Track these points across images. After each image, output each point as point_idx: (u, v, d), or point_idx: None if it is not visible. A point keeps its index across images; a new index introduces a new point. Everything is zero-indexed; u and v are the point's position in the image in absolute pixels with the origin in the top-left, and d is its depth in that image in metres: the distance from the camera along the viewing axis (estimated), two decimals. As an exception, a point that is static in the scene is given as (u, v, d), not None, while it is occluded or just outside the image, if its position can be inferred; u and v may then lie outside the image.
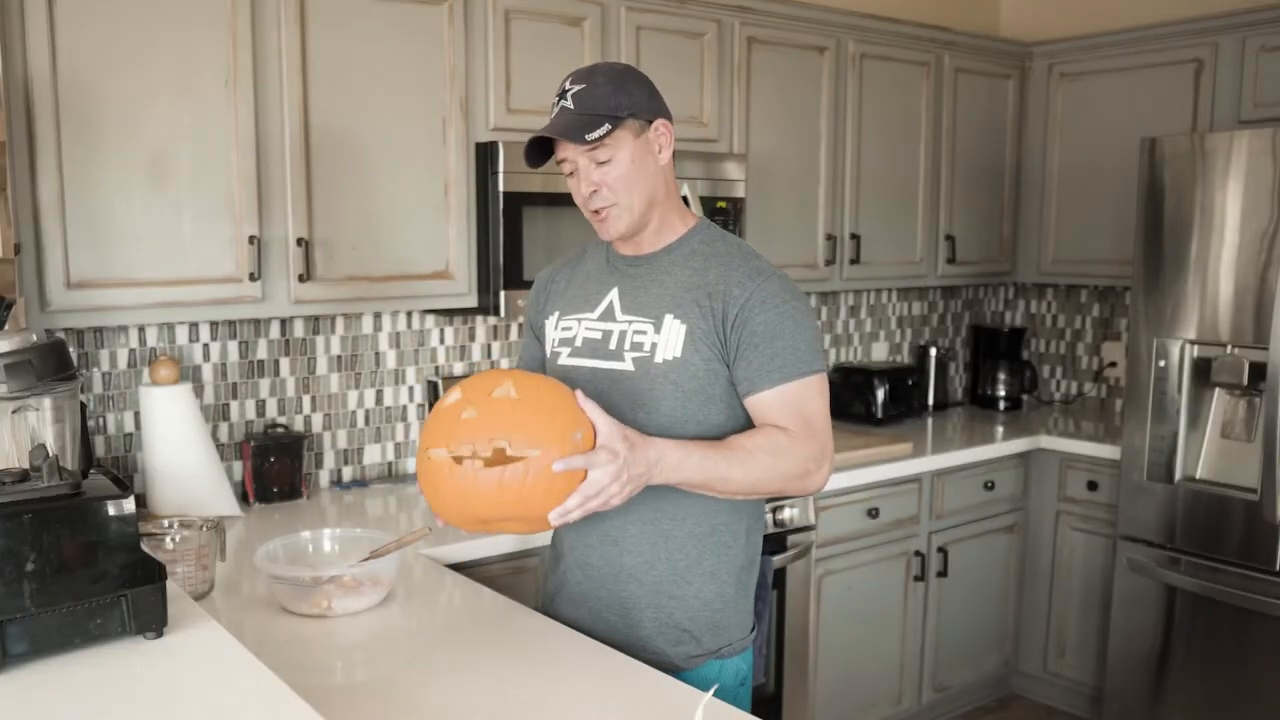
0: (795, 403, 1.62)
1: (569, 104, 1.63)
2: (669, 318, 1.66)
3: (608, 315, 1.72)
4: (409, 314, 2.94)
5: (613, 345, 1.69)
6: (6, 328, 1.82)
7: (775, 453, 1.58)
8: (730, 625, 1.73)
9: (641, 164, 1.64)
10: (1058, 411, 4.12)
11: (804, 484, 1.62)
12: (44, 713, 1.20)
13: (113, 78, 2.16)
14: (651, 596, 1.70)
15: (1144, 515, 3.24)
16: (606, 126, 1.60)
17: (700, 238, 1.72)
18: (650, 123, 1.66)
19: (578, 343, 1.74)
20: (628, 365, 1.67)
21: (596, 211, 1.67)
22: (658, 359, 1.65)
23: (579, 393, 1.47)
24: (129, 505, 1.35)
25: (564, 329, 1.77)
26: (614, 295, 1.73)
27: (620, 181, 1.64)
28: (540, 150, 1.65)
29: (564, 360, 1.75)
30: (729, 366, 1.64)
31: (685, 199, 2.88)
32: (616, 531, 1.71)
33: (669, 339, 1.65)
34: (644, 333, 1.67)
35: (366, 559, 1.82)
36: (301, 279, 2.42)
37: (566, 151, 1.64)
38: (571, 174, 1.67)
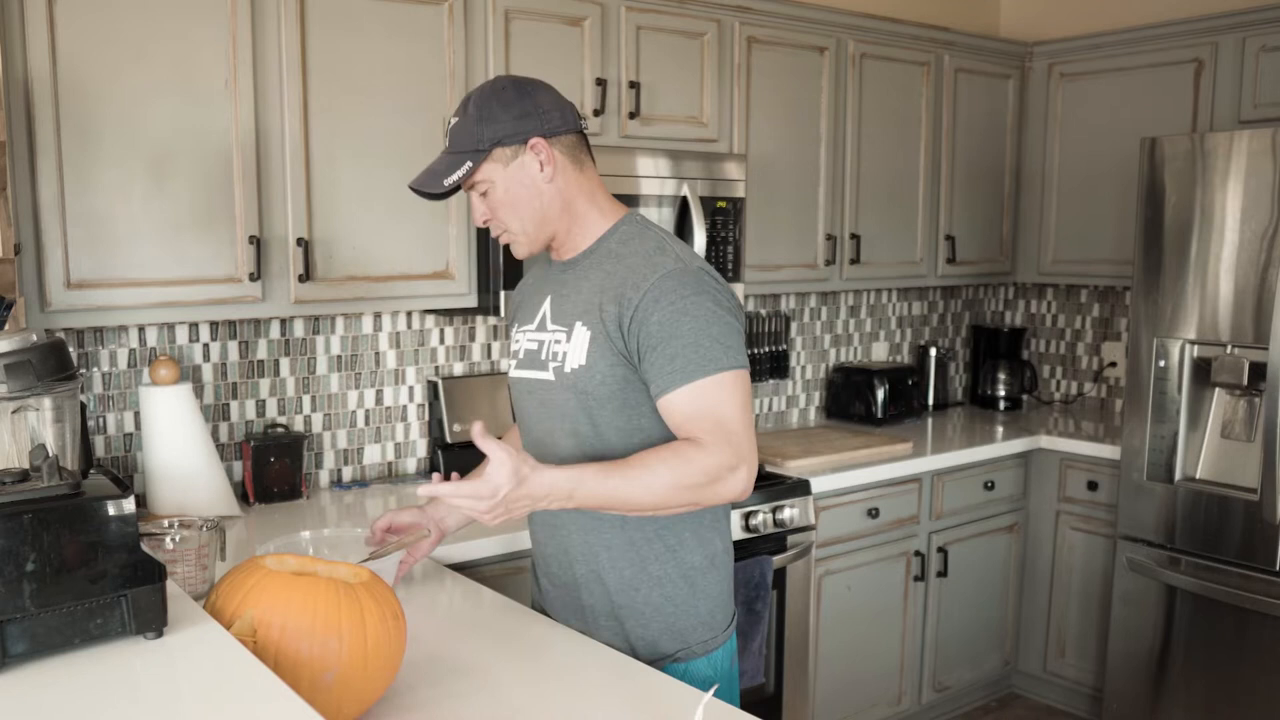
0: (705, 403, 1.53)
1: (447, 140, 1.64)
2: (578, 325, 1.64)
3: (542, 325, 1.72)
4: (409, 314, 2.94)
5: (543, 355, 1.70)
6: (6, 328, 1.83)
7: (678, 465, 1.50)
8: (687, 629, 1.70)
9: (520, 189, 1.62)
10: (1058, 411, 4.12)
11: (716, 492, 1.53)
12: (44, 713, 1.20)
13: (113, 78, 2.16)
14: (604, 604, 1.70)
15: (1144, 515, 3.24)
16: (467, 165, 1.60)
17: (617, 237, 1.68)
18: (526, 143, 1.61)
19: (520, 355, 1.76)
20: (549, 375, 1.68)
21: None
22: (567, 368, 1.64)
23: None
24: (129, 505, 1.35)
25: (515, 341, 1.80)
26: (547, 305, 1.73)
27: (502, 210, 1.64)
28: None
29: (512, 373, 1.79)
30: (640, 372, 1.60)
31: (686, 199, 2.87)
32: (567, 541, 1.72)
33: (576, 347, 1.63)
34: (560, 341, 1.67)
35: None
36: (301, 279, 2.42)
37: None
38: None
